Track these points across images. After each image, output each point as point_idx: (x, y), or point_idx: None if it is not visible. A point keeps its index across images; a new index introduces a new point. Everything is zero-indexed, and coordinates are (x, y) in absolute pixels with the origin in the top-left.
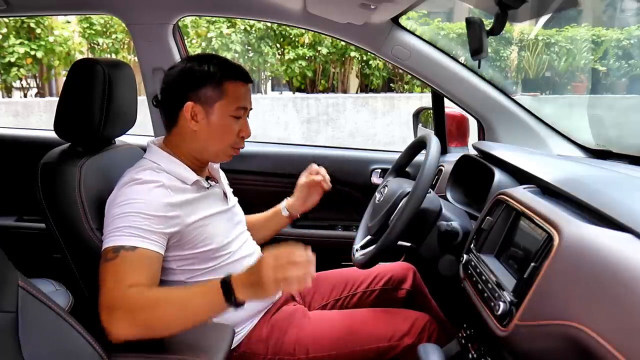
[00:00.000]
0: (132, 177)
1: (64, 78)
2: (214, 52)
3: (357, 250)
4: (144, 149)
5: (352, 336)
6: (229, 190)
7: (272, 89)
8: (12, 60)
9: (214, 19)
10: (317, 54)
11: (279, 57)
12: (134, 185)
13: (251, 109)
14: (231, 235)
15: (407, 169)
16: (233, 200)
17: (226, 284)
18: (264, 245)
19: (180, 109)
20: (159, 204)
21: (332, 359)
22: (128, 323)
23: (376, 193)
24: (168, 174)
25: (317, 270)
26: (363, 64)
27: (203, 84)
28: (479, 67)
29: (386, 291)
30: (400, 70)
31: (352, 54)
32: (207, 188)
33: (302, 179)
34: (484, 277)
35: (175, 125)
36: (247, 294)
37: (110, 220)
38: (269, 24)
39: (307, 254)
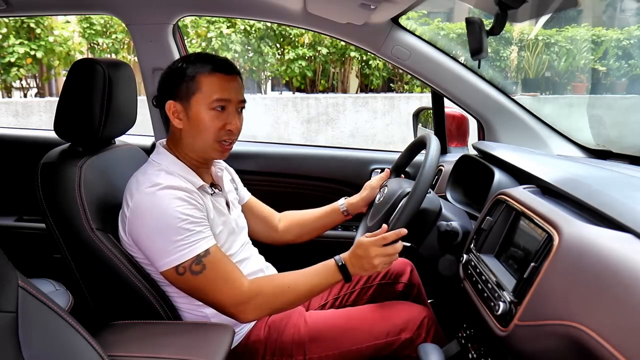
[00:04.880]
0: (153, 182)
1: (64, 78)
2: (213, 52)
3: None
4: (144, 149)
5: (350, 335)
6: (233, 198)
7: (272, 89)
8: (12, 60)
9: (214, 19)
10: (317, 54)
11: (278, 57)
12: (161, 191)
13: (243, 100)
14: (230, 242)
15: (407, 169)
16: (237, 208)
17: (341, 264)
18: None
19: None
20: (193, 207)
21: (329, 359)
22: (260, 311)
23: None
24: (178, 177)
25: None
26: (363, 64)
27: (179, 81)
28: (479, 67)
29: (384, 285)
30: (400, 70)
31: (352, 54)
32: (212, 194)
33: (373, 181)
34: (484, 277)
35: (169, 126)
36: (357, 271)
37: (158, 235)
38: (269, 24)
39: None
